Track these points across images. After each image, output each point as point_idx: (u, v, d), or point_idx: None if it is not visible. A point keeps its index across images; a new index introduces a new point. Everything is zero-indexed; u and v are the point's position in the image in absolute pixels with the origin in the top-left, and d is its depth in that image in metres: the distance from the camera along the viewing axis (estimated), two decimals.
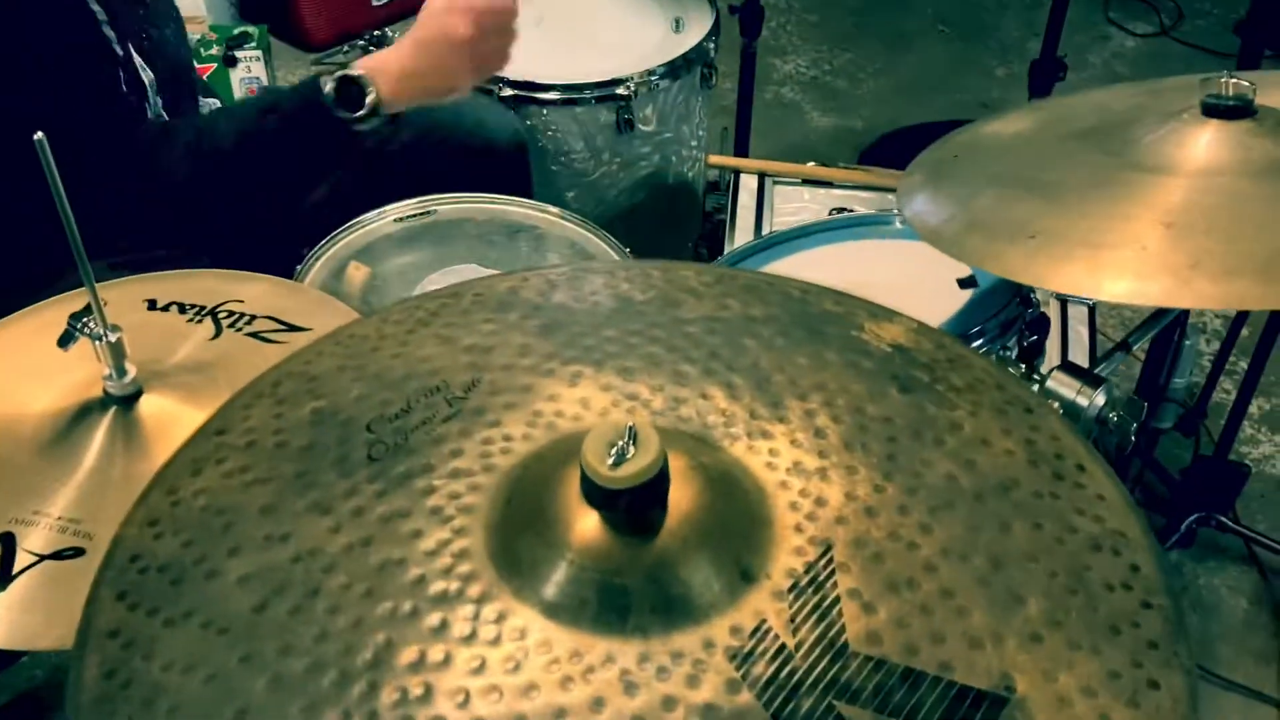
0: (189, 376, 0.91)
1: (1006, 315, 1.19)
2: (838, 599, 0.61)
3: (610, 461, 0.61)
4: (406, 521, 0.67)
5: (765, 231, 1.64)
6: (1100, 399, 0.96)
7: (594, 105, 1.78)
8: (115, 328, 0.85)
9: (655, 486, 0.62)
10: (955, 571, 0.63)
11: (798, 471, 0.69)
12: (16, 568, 0.78)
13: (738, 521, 0.65)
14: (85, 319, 0.85)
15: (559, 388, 0.76)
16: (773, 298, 0.84)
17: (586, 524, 0.63)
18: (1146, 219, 0.88)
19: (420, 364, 0.79)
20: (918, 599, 0.61)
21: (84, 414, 0.87)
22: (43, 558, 0.78)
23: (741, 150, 2.27)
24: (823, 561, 0.63)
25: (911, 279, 1.03)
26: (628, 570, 0.61)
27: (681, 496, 0.64)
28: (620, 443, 0.62)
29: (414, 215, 1.49)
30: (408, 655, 0.59)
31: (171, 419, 0.88)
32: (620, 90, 1.77)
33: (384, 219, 1.48)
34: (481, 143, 1.63)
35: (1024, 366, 1.08)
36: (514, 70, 1.77)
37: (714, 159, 1.90)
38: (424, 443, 0.72)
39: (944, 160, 1.14)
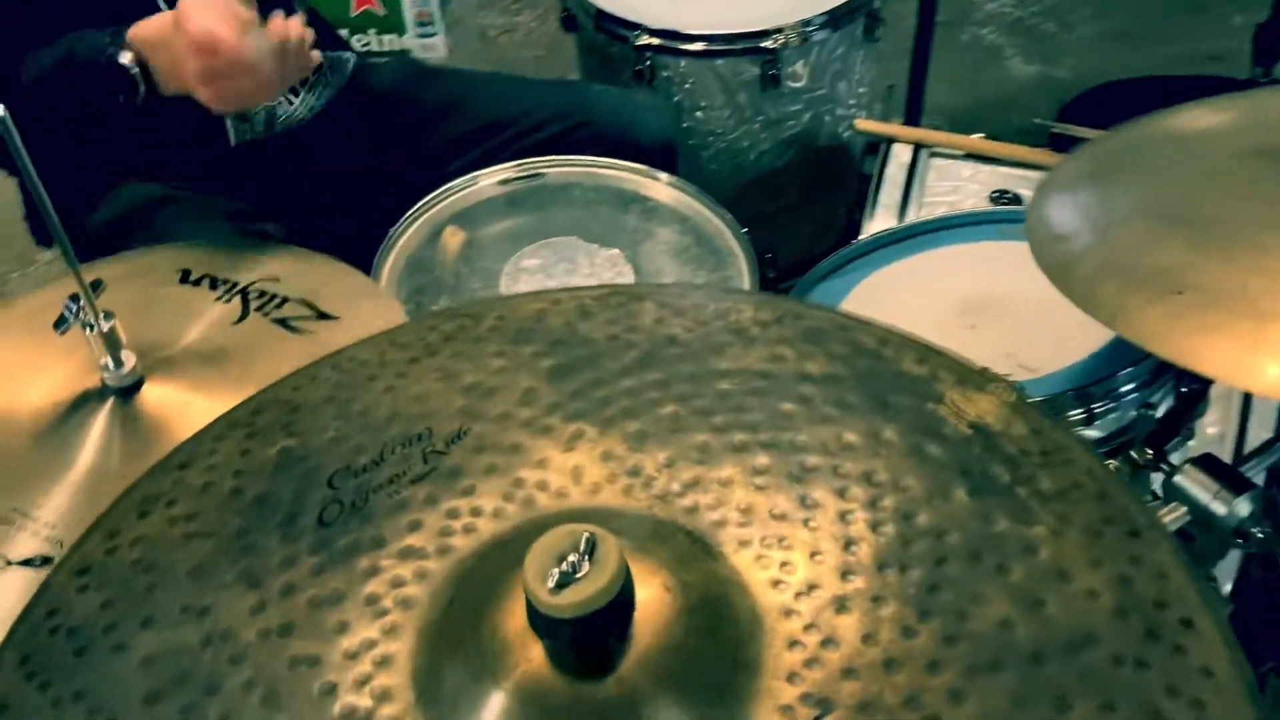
0: (199, 366, 0.85)
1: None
2: None
3: (552, 583, 0.50)
4: (336, 610, 0.57)
5: (912, 212, 1.46)
6: (1244, 508, 0.77)
7: (737, 58, 1.62)
8: (109, 315, 0.79)
9: (608, 618, 0.50)
10: None
11: (810, 596, 0.55)
12: None
13: (716, 666, 0.52)
14: (82, 302, 0.79)
15: (552, 450, 0.64)
16: (839, 348, 0.70)
17: (528, 653, 0.51)
18: None
19: (411, 404, 0.68)
20: None
21: (81, 405, 0.82)
22: (9, 563, 0.73)
23: (915, 109, 2.06)
24: None
25: (1056, 298, 0.85)
26: (563, 718, 0.50)
27: (649, 627, 0.52)
28: (571, 557, 0.50)
29: (521, 178, 1.39)
30: None
31: (174, 413, 0.82)
32: (767, 43, 1.60)
33: (489, 180, 1.38)
34: (627, 138, 1.50)
35: (1150, 452, 0.89)
36: (657, 16, 1.65)
37: (862, 123, 1.71)
38: (383, 508, 0.62)
39: (1100, 161, 0.94)
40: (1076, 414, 0.96)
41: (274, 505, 0.63)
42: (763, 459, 0.62)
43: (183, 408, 0.81)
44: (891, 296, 1.16)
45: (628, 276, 1.28)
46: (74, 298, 0.78)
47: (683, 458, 0.63)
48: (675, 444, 0.64)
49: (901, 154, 1.57)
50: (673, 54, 1.64)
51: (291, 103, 1.38)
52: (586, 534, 0.51)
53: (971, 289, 1.14)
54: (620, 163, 1.40)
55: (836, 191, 1.91)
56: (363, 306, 0.91)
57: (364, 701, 0.53)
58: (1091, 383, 0.96)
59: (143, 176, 1.35)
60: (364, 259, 1.30)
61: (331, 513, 0.62)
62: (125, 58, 1.06)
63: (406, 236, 1.33)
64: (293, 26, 1.07)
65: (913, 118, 2.09)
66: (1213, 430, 1.19)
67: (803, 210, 1.86)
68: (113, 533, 0.64)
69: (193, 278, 0.93)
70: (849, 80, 1.75)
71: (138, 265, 0.97)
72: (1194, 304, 0.70)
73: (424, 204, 1.36)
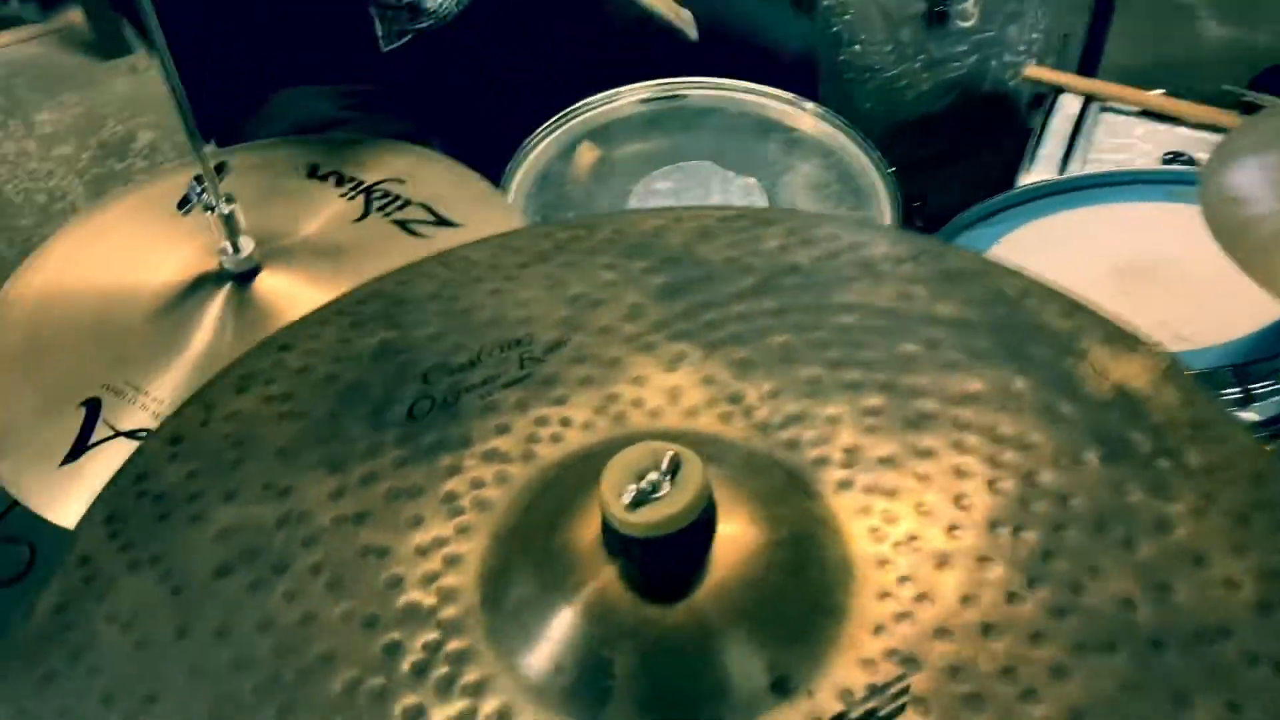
0: (316, 258, 0.84)
1: None
2: None
3: (628, 499, 0.47)
4: (412, 504, 0.55)
5: (1075, 168, 1.36)
6: None
7: None
8: (229, 198, 0.78)
9: (685, 542, 0.47)
10: None
11: (910, 549, 0.51)
12: (93, 439, 0.75)
13: (797, 607, 0.48)
14: (206, 183, 0.79)
15: (652, 369, 0.61)
16: (977, 292, 0.64)
17: (600, 570, 0.49)
18: None
19: (514, 308, 0.66)
20: None
21: (199, 286, 0.83)
22: (117, 433, 0.74)
23: (1090, 63, 1.92)
24: (894, 689, 0.46)
25: (1222, 268, 0.78)
26: (621, 644, 0.47)
27: (730, 558, 0.49)
28: (652, 475, 0.47)
29: (661, 98, 1.35)
30: (339, 680, 0.49)
31: (286, 302, 0.82)
32: None
33: (629, 98, 1.35)
34: (764, 48, 1.44)
35: None
36: None
37: (1032, 70, 1.60)
38: (473, 408, 0.60)
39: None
40: (1233, 393, 0.88)
41: (366, 394, 0.62)
42: (876, 399, 0.57)
43: (295, 298, 0.81)
44: (1042, 251, 1.08)
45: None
46: (198, 179, 0.78)
47: (789, 390, 0.59)
48: (782, 375, 0.60)
49: (1070, 105, 1.47)
50: None
51: None
52: (670, 452, 0.48)
53: (1131, 251, 1.06)
54: (765, 89, 1.35)
55: (995, 143, 1.81)
56: (484, 216, 0.89)
57: (428, 599, 0.51)
58: (1253, 360, 0.88)
59: (295, 80, 1.36)
60: (500, 169, 1.28)
61: (422, 407, 0.60)
62: None
63: (539, 149, 1.31)
64: None
65: (1087, 72, 1.96)
66: None
67: (956, 160, 1.76)
68: (209, 405, 0.63)
69: (320, 172, 0.92)
70: (1021, 24, 1.65)
71: (267, 156, 0.97)
72: None
73: (560, 118, 1.33)
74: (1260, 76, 2.38)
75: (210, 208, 0.78)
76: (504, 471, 0.56)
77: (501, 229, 0.86)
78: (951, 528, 0.52)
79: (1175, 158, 1.36)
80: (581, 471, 0.54)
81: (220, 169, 0.78)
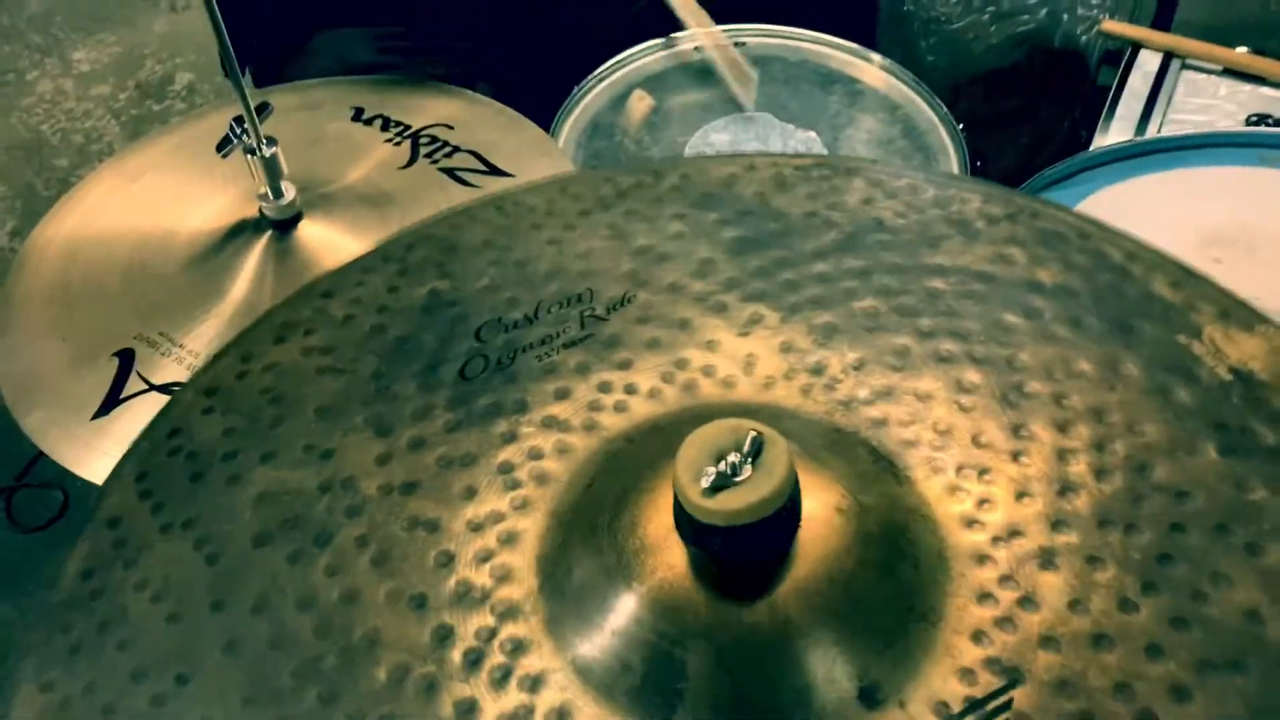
0: (360, 206, 0.79)
1: None
2: None
3: (706, 483, 0.42)
4: (465, 474, 0.51)
5: (1153, 129, 1.29)
6: None
7: None
8: (271, 141, 0.73)
9: (767, 533, 0.43)
10: None
11: (1010, 544, 0.46)
12: (125, 393, 0.71)
13: (888, 608, 0.44)
14: (247, 124, 0.74)
15: (724, 333, 0.56)
16: (1079, 257, 0.59)
17: (670, 558, 0.44)
18: None
19: (574, 260, 0.61)
20: None
21: (238, 234, 0.78)
22: (151, 387, 0.70)
23: (1165, 17, 1.83)
24: (995, 704, 0.42)
25: None
26: (694, 642, 0.43)
27: (815, 550, 0.44)
28: (732, 457, 0.43)
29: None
30: (384, 666, 0.45)
31: (330, 252, 0.77)
32: None
33: (684, 45, 1.28)
34: None
35: None
36: None
37: (1109, 25, 1.52)
38: (531, 370, 0.55)
39: None
40: None
41: (415, 350, 0.57)
42: (972, 375, 0.52)
43: (338, 248, 0.77)
44: (1126, 216, 1.00)
45: None
46: (239, 120, 0.73)
47: (876, 361, 0.54)
48: (869, 344, 0.55)
49: (1148, 62, 1.38)
50: None
51: None
52: (753, 432, 0.43)
53: (1219, 219, 0.99)
54: (828, 38, 1.28)
55: (1064, 101, 1.73)
56: (537, 165, 0.84)
57: (482, 579, 0.47)
58: None
59: (336, 22, 1.30)
60: (549, 118, 1.23)
61: (475, 367, 0.56)
62: None
63: (590, 98, 1.25)
64: None
65: (1162, 28, 1.87)
66: None
67: (1023, 118, 1.69)
68: (246, 356, 0.59)
69: (365, 116, 0.87)
70: None
71: (311, 97, 0.92)
72: None
73: (612, 65, 1.27)
74: None
75: (251, 150, 0.74)
76: (564, 442, 0.52)
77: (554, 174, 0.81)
78: (1056, 523, 0.47)
79: (1261, 120, 1.28)
80: (649, 446, 0.50)
81: (262, 110, 0.73)
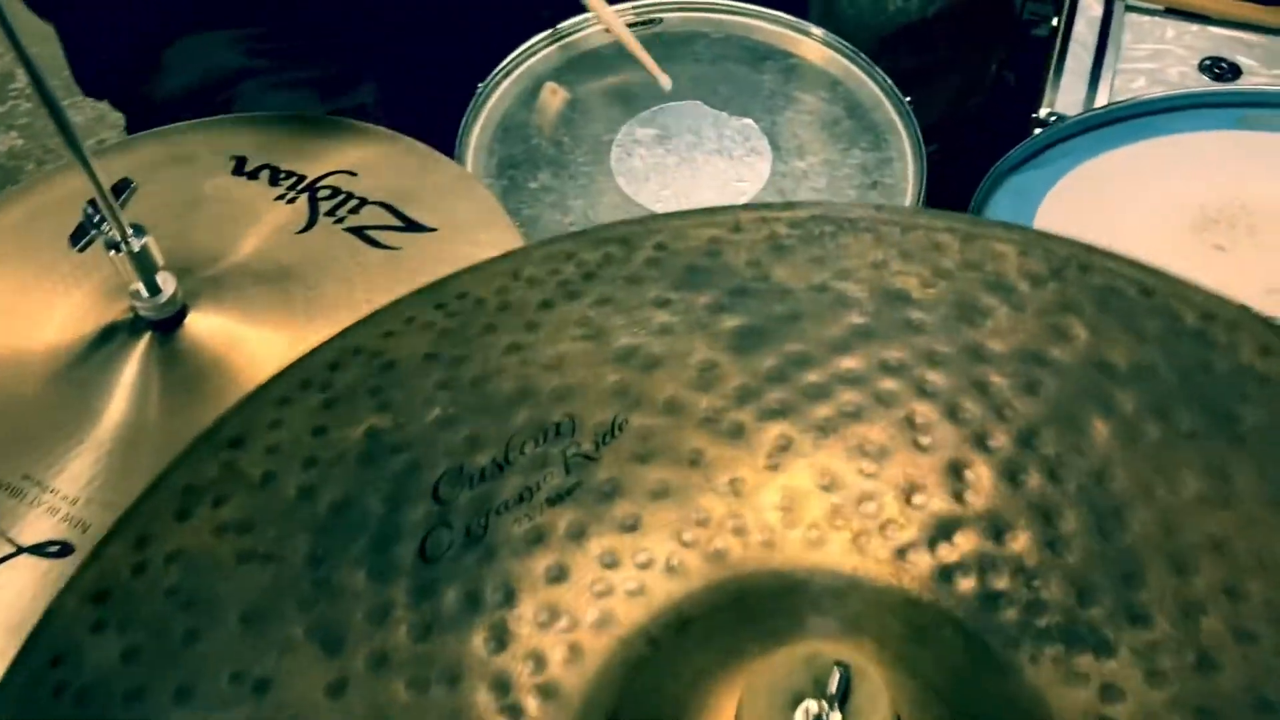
0: (256, 288, 0.66)
1: None
2: None
3: None
4: (449, 697, 0.40)
5: (1106, 81, 1.20)
6: None
7: None
8: (139, 230, 0.59)
9: None
10: None
11: None
12: None
13: None
14: (106, 214, 0.59)
15: (747, 468, 0.45)
16: (1150, 323, 0.49)
17: None
18: None
19: (544, 374, 0.49)
20: None
21: (108, 339, 0.63)
22: (20, 550, 0.57)
23: None
24: None
25: None
26: None
27: None
28: (813, 705, 0.32)
29: (634, 24, 1.15)
30: None
31: (227, 349, 0.64)
32: None
33: (593, 28, 1.15)
34: None
35: None
36: None
37: None
38: (510, 540, 0.44)
39: None
40: None
41: (358, 520, 0.45)
42: (1065, 508, 0.43)
43: (236, 343, 0.63)
44: (1105, 200, 0.93)
45: (763, 154, 1.06)
46: (94, 203, 0.59)
47: (940, 492, 0.44)
48: (925, 467, 0.44)
49: (1091, 6, 1.30)
50: None
51: None
52: (837, 668, 0.33)
53: (1212, 197, 0.91)
54: (754, 8, 1.16)
55: (990, 45, 1.64)
56: (462, 213, 0.71)
57: None
58: None
59: (207, 22, 1.14)
60: (449, 115, 1.09)
61: (439, 541, 0.44)
62: None
63: (497, 95, 1.12)
64: None
65: None
66: None
67: (949, 67, 1.60)
68: (142, 539, 0.47)
69: (249, 168, 0.73)
70: None
71: (182, 147, 0.77)
72: None
73: (517, 56, 1.14)
74: None
75: (115, 246, 0.59)
76: (572, 644, 0.41)
77: (487, 230, 0.69)
78: (1202, 712, 0.37)
79: (1215, 64, 1.21)
80: (682, 652, 0.39)
81: (121, 190, 0.59)
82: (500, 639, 0.41)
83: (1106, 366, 0.47)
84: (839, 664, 0.33)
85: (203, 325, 0.64)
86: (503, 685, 0.40)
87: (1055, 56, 1.23)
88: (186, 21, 1.13)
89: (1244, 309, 0.50)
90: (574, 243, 0.56)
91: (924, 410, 0.46)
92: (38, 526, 0.58)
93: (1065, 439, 0.45)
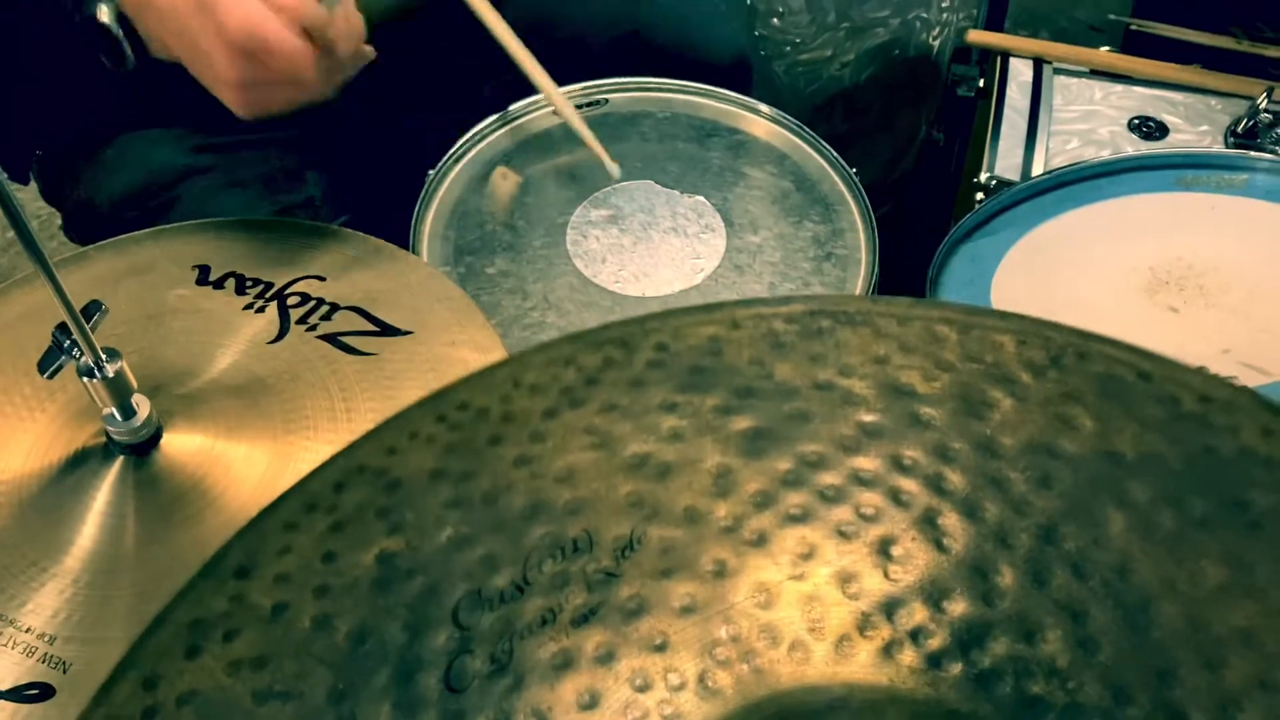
0: (232, 403, 0.64)
1: None
2: None
3: None
4: None
5: (1041, 144, 1.24)
6: None
7: None
8: (113, 354, 0.57)
9: None
10: None
11: None
12: None
13: None
14: (78, 340, 0.57)
15: (772, 574, 0.45)
16: (1153, 409, 0.50)
17: None
18: None
19: (556, 488, 0.49)
20: None
21: (78, 465, 0.61)
22: None
23: (998, 15, 1.81)
24: None
25: (1276, 271, 0.66)
26: None
27: None
28: None
29: (580, 105, 1.16)
30: None
31: (205, 470, 0.61)
32: None
33: (541, 110, 1.16)
34: (693, 55, 1.26)
35: None
36: None
37: (975, 35, 1.47)
38: (538, 666, 0.43)
39: None
40: None
41: (379, 651, 0.44)
42: (1095, 610, 0.43)
43: (215, 465, 0.61)
44: (1060, 266, 0.95)
45: (718, 230, 1.07)
46: (63, 328, 0.57)
47: (967, 594, 0.44)
48: (947, 570, 0.45)
49: (1021, 71, 1.34)
50: None
51: None
52: None
53: (1159, 258, 0.94)
54: (699, 86, 1.18)
55: (920, 107, 1.69)
56: (434, 313, 0.70)
57: None
58: None
59: (148, 119, 1.12)
60: (400, 203, 1.09)
61: (463, 671, 0.43)
62: (103, 14, 0.79)
63: (448, 182, 1.11)
64: (349, 17, 0.80)
65: (997, 17, 1.85)
66: None
67: (881, 130, 1.64)
68: (150, 681, 0.45)
69: (213, 277, 0.71)
70: None
71: (139, 257, 0.75)
72: None
73: (466, 141, 1.14)
74: (1143, 1, 2.34)
75: (89, 373, 0.57)
76: None
77: (466, 331, 0.68)
78: None
79: (1144, 123, 1.26)
80: None
81: (92, 312, 0.57)
82: None
83: (1115, 456, 0.48)
84: None
85: (178, 445, 0.62)
86: None
87: (991, 122, 1.27)
88: (127, 119, 1.11)
89: (1242, 390, 0.51)
90: (571, 346, 0.55)
91: (939, 507, 0.46)
92: (12, 668, 0.55)
93: (1084, 533, 0.45)
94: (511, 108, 1.16)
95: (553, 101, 1.13)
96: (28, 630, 0.55)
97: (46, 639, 0.55)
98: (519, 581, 0.45)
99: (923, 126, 1.72)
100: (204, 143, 1.13)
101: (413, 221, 1.06)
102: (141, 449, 0.61)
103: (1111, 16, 1.83)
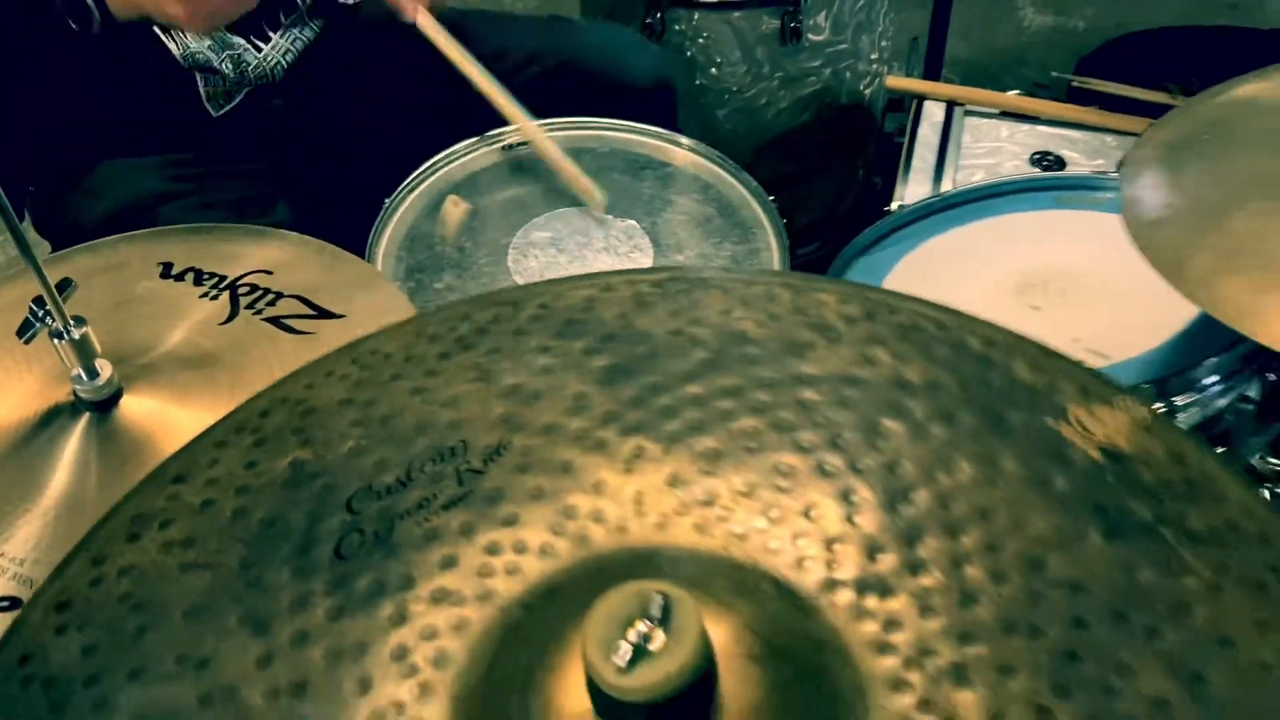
0: (185, 372, 0.75)
1: (1248, 345, 0.90)
2: None
3: (621, 660, 0.41)
4: (357, 665, 0.48)
5: (948, 176, 1.36)
6: None
7: (756, 10, 1.51)
8: (80, 320, 0.68)
9: (687, 702, 0.41)
10: None
11: (923, 664, 0.46)
12: None
13: None
14: (49, 306, 0.68)
15: (608, 472, 0.55)
16: (941, 350, 0.60)
17: None
18: None
19: (442, 409, 0.59)
20: None
21: (50, 421, 0.72)
22: None
23: (935, 62, 1.95)
24: None
25: (1127, 276, 0.77)
26: None
27: (733, 703, 0.43)
28: (641, 626, 0.41)
29: (523, 143, 1.28)
30: None
31: (159, 427, 0.72)
32: None
33: (489, 146, 1.28)
34: (619, 80, 1.39)
35: (1277, 461, 0.81)
36: None
37: (893, 81, 1.60)
38: (411, 538, 0.53)
39: (1188, 136, 0.85)
40: (1158, 408, 0.87)
41: (284, 532, 0.54)
42: (858, 487, 0.53)
43: (167, 422, 0.71)
44: (942, 273, 1.06)
45: (646, 251, 1.18)
46: (39, 301, 0.67)
47: (764, 484, 0.54)
48: (753, 466, 0.54)
49: (934, 113, 1.47)
50: (686, 5, 1.53)
51: (260, 49, 1.27)
52: (659, 596, 0.42)
53: (1031, 265, 1.05)
54: (632, 124, 1.30)
55: (856, 152, 1.81)
56: (368, 301, 0.80)
57: None
58: (1173, 373, 0.88)
59: (127, 152, 1.24)
60: (360, 230, 1.20)
61: (351, 543, 0.53)
62: None
63: (404, 208, 1.23)
64: None
65: (933, 72, 1.99)
66: None
67: (820, 172, 1.76)
68: (98, 559, 0.54)
69: (175, 271, 0.82)
70: (871, 34, 1.65)
71: (113, 256, 0.86)
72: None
73: (421, 173, 1.26)
74: (1085, 60, 2.48)
75: (58, 335, 0.68)
76: (459, 617, 0.49)
77: (388, 315, 0.79)
78: (963, 636, 0.47)
79: (1044, 157, 1.37)
80: (551, 611, 0.48)
81: (64, 287, 0.67)
82: (401, 615, 0.49)
83: (903, 383, 0.58)
84: (661, 593, 0.42)
85: (136, 406, 0.72)
86: (402, 652, 0.48)
87: (903, 158, 1.39)
88: (115, 144, 1.23)
89: (1021, 337, 0.61)
90: (468, 306, 0.66)
91: (753, 422, 0.56)
92: None
93: (865, 438, 0.55)
94: (490, 133, 1.27)
95: (530, 135, 1.25)
96: (3, 555, 0.65)
97: (19, 562, 0.65)
98: (403, 478, 0.55)
99: (860, 170, 1.84)
100: (180, 171, 1.24)
101: (368, 244, 1.18)
102: (104, 406, 0.72)
103: (1055, 74, 1.96)
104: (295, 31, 1.30)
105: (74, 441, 0.71)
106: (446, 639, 0.48)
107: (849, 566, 0.50)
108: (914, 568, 0.50)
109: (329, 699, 0.47)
